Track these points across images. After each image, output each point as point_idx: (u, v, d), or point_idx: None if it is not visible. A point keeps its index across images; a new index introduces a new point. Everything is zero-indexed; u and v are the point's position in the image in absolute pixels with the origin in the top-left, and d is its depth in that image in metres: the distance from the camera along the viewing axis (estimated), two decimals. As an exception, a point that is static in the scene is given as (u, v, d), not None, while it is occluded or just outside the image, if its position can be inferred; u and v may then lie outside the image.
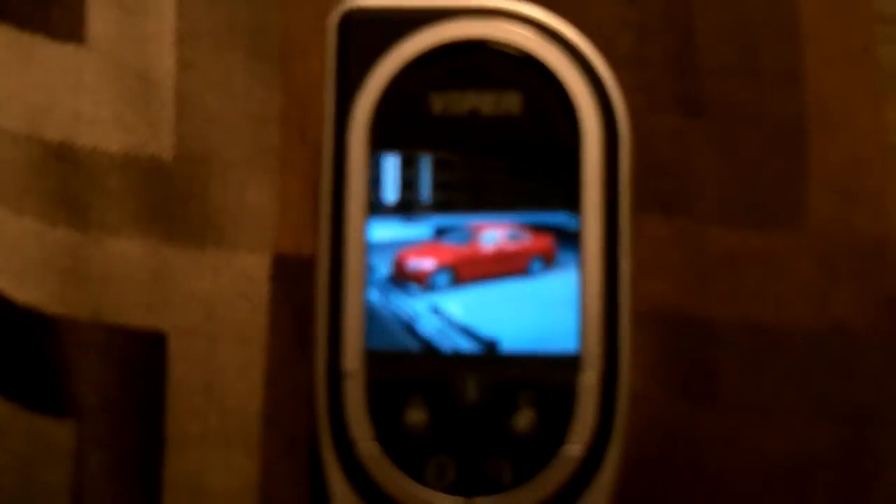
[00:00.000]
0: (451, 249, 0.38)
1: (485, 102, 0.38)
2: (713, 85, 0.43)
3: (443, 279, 0.38)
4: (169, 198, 0.42)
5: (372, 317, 0.38)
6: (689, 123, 0.43)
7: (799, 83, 0.43)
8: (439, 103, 0.38)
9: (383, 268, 0.38)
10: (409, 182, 0.38)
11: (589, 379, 0.37)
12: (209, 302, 0.42)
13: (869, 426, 0.41)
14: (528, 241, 0.38)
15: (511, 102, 0.38)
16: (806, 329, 0.42)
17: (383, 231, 0.38)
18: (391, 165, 0.38)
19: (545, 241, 0.38)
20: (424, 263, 0.38)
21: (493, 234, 0.38)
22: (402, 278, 0.38)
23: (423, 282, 0.38)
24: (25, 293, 0.41)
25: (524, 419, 0.37)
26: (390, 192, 0.38)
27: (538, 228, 0.38)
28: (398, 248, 0.38)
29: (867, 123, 0.43)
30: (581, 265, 0.38)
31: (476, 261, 0.38)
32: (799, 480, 0.41)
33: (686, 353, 0.42)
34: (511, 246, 0.38)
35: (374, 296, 0.38)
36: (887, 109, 0.43)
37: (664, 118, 0.42)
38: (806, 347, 0.42)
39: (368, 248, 0.38)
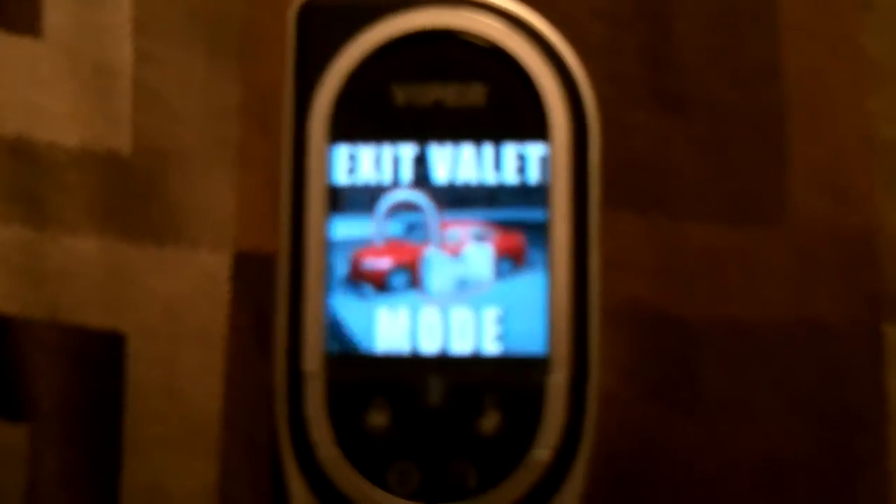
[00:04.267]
0: (413, 249, 0.37)
1: (449, 94, 0.38)
2: (689, 77, 0.43)
3: (399, 280, 0.37)
4: (127, 193, 0.42)
5: (333, 317, 0.37)
6: (665, 116, 0.43)
7: (779, 74, 0.43)
8: (402, 95, 0.38)
9: (344, 266, 0.37)
10: (371, 177, 0.38)
11: (557, 380, 0.36)
12: (169, 301, 0.42)
13: (850, 427, 0.41)
14: (495, 239, 0.37)
15: (476, 94, 0.38)
16: (786, 328, 0.42)
17: (346, 228, 0.37)
18: (352, 159, 0.38)
19: (514, 241, 0.37)
20: (381, 263, 0.37)
21: (457, 232, 0.37)
22: (359, 278, 0.37)
23: (380, 283, 0.37)
24: (-22, 292, 0.41)
25: (490, 422, 0.36)
26: (352, 187, 0.38)
27: (507, 226, 0.37)
28: (357, 247, 0.38)
29: (850, 116, 0.43)
30: (549, 262, 0.37)
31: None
32: (779, 483, 0.41)
33: (662, 353, 0.42)
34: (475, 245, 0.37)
35: (336, 295, 0.37)
36: (871, 101, 0.43)
37: (638, 112, 0.43)
38: (786, 347, 0.42)
39: (330, 245, 0.37)
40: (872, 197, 0.42)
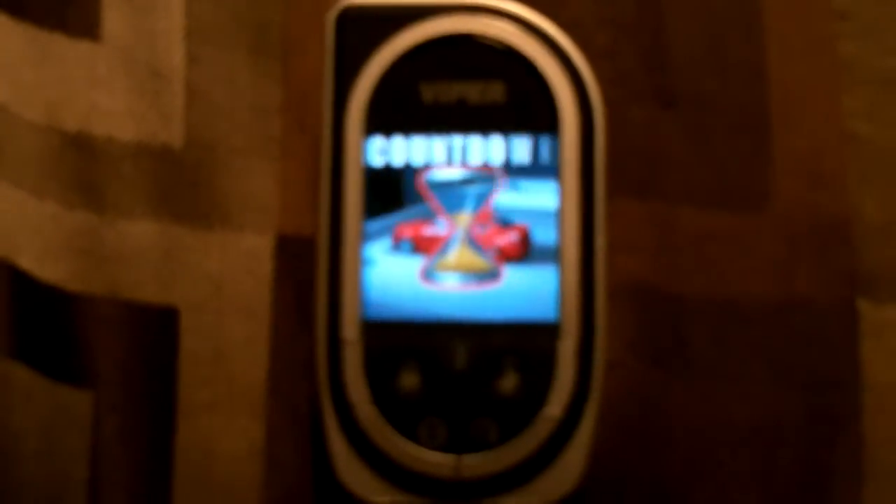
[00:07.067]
0: (441, 227, 0.39)
1: (471, 91, 0.39)
2: (683, 77, 0.43)
3: (430, 253, 0.39)
4: (179, 183, 0.43)
5: (368, 288, 0.39)
6: (662, 113, 0.43)
7: (763, 75, 0.43)
8: (429, 92, 0.39)
9: (380, 243, 0.39)
10: (397, 163, 0.40)
11: (567, 346, 0.38)
12: (217, 279, 0.43)
13: (829, 393, 0.42)
14: (514, 221, 0.39)
15: (495, 92, 0.39)
16: (771, 303, 0.42)
17: (381, 209, 0.39)
18: (382, 147, 0.39)
19: (525, 224, 0.39)
20: (413, 239, 0.39)
21: (481, 214, 0.39)
22: (394, 253, 0.39)
23: (413, 255, 0.39)
24: (47, 272, 0.42)
25: (509, 383, 0.38)
26: (387, 170, 0.39)
27: (522, 211, 0.39)
28: (390, 225, 0.39)
29: (826, 112, 0.43)
30: (560, 241, 0.39)
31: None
32: (765, 444, 0.42)
33: (659, 325, 0.42)
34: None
35: (372, 269, 0.39)
36: (844, 99, 0.43)
37: (639, 108, 0.43)
38: (771, 320, 0.43)
39: (365, 226, 0.39)
40: (847, 185, 0.43)
